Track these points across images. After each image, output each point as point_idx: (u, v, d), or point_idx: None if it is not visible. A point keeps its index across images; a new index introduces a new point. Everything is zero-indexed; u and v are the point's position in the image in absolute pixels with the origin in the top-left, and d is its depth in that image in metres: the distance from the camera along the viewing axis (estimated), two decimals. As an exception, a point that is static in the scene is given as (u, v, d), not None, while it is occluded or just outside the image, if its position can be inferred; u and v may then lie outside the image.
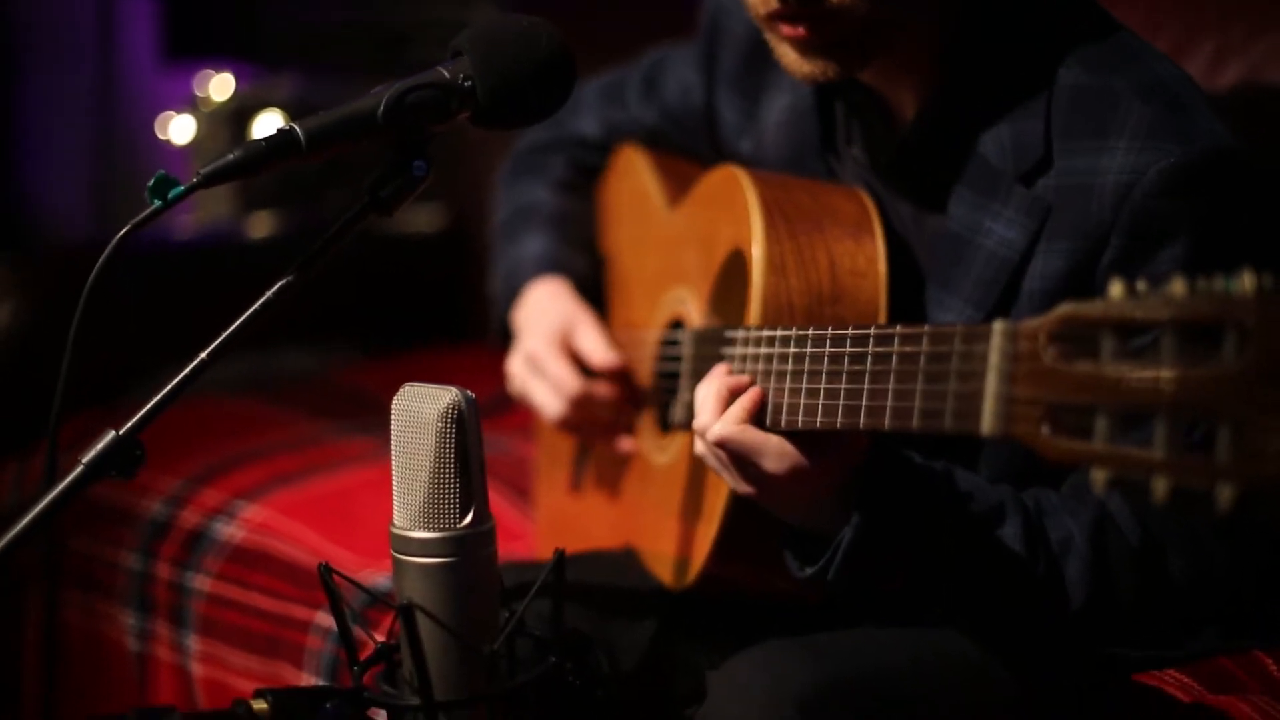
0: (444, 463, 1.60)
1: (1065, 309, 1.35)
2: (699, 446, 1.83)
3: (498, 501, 1.63)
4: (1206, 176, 1.78)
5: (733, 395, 1.79)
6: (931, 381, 1.54)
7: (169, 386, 1.59)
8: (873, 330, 1.64)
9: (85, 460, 1.56)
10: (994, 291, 1.87)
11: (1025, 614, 1.85)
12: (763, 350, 1.83)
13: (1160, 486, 1.23)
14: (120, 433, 1.57)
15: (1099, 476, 1.28)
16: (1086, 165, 1.82)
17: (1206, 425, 1.20)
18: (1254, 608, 1.98)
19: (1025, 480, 1.87)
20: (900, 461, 1.77)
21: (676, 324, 2.28)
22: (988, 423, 1.43)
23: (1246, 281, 1.20)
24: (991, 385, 1.43)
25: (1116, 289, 1.29)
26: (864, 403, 1.63)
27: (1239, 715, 1.83)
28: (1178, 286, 1.24)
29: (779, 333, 1.79)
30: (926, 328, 1.57)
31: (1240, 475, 1.19)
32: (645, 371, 2.34)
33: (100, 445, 1.57)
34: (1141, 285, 1.28)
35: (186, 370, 1.60)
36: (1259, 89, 2.43)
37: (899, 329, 1.60)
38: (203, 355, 1.60)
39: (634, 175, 2.53)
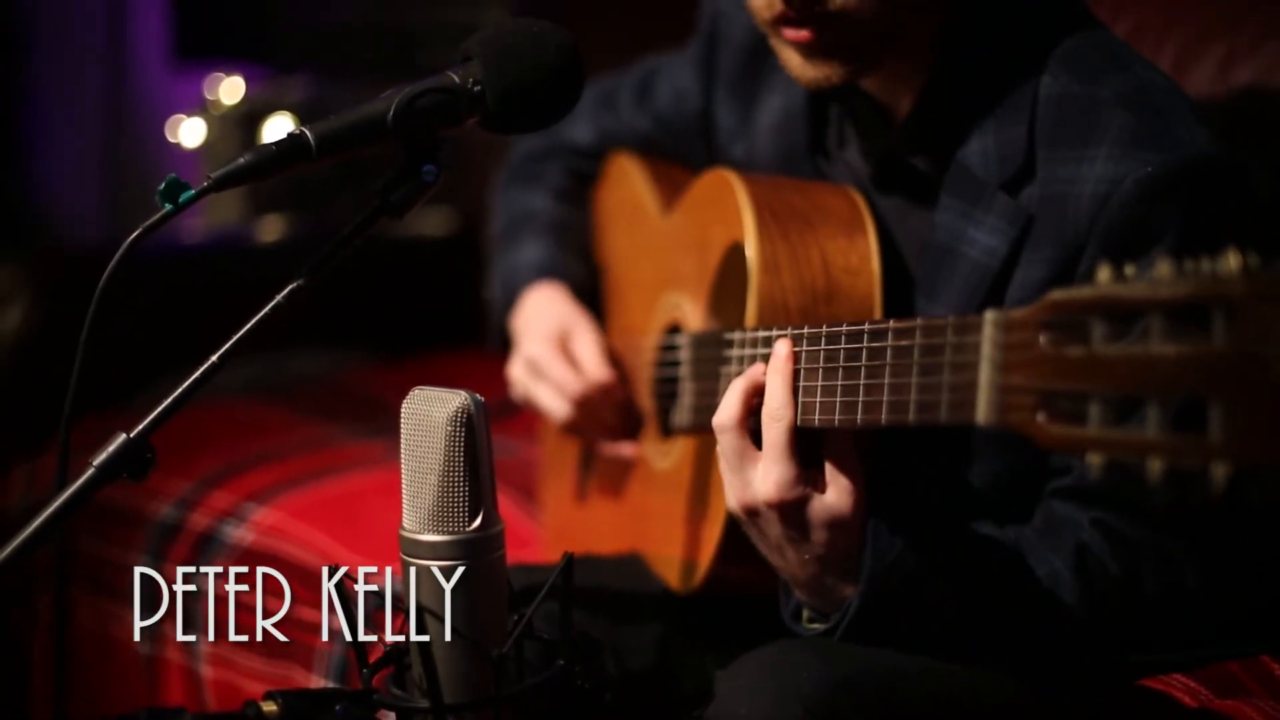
0: (453, 466, 1.60)
1: (1055, 295, 1.35)
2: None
3: (506, 506, 1.63)
4: (1183, 185, 1.77)
5: (758, 391, 1.79)
6: (926, 374, 1.54)
7: (179, 389, 1.60)
8: (866, 326, 1.65)
9: (96, 463, 1.57)
10: (976, 300, 1.87)
11: (1027, 650, 1.86)
12: (759, 351, 1.83)
13: (1155, 468, 1.23)
14: (131, 435, 1.57)
15: (1095, 461, 1.28)
16: (1068, 174, 1.82)
17: (1199, 405, 1.20)
18: (1261, 614, 1.98)
19: (1022, 480, 1.88)
20: (897, 543, 1.77)
21: (674, 329, 2.28)
22: (983, 412, 1.44)
23: (1232, 260, 1.20)
24: (985, 375, 1.44)
25: (1104, 274, 1.30)
26: (860, 398, 1.64)
27: (1245, 720, 1.83)
28: (1164, 268, 1.24)
29: (775, 332, 1.80)
30: (919, 321, 1.57)
31: (1234, 454, 1.19)
32: (644, 377, 2.35)
33: (111, 448, 1.57)
34: (1129, 269, 1.29)
35: (197, 373, 1.60)
36: (1269, 92, 2.42)
37: (892, 324, 1.61)
38: (213, 358, 1.61)
39: (627, 183, 2.53)
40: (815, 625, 1.84)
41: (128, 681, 2.96)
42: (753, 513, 1.77)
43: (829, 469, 1.74)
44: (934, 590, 1.78)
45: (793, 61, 1.91)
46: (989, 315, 1.44)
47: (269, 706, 1.57)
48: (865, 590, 1.75)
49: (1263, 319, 1.18)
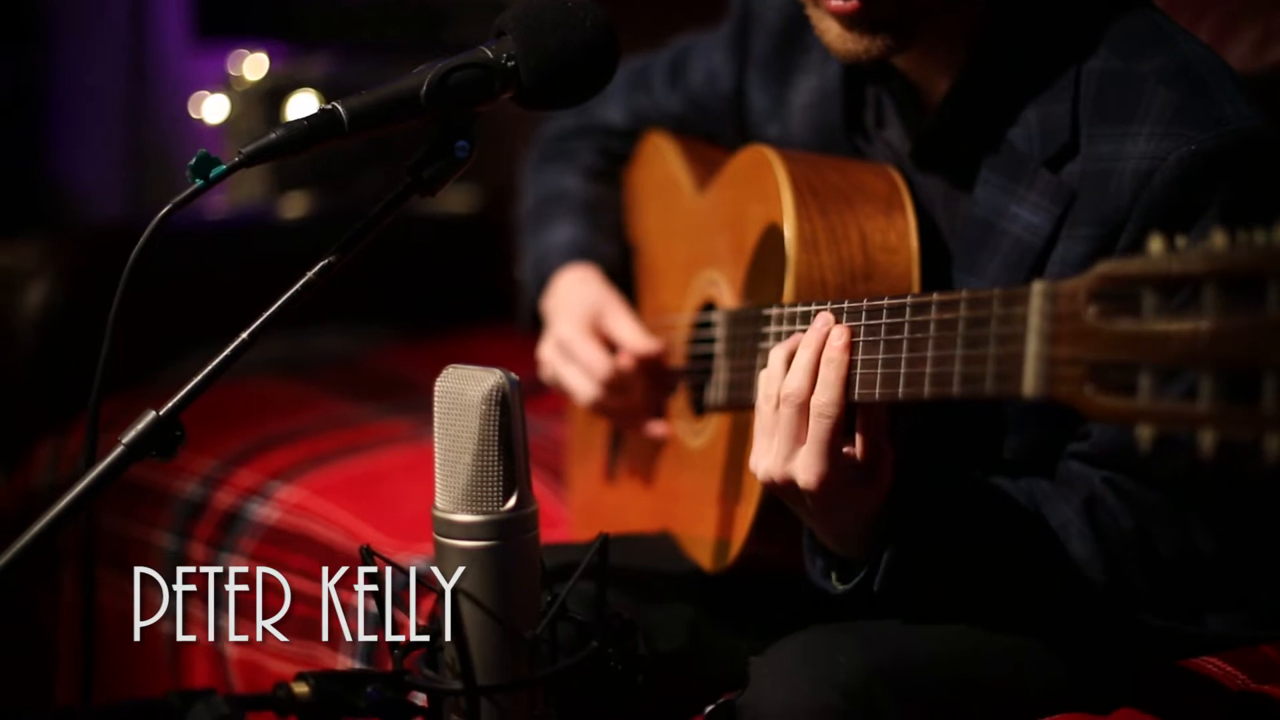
0: (487, 445, 1.59)
1: (1104, 267, 1.34)
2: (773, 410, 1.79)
3: (535, 487, 1.63)
4: (1228, 163, 1.76)
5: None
6: (971, 346, 1.53)
7: (210, 367, 1.59)
8: (909, 299, 1.64)
9: (125, 441, 1.56)
10: (1018, 277, 1.86)
11: (1043, 598, 1.86)
12: (798, 327, 1.83)
13: (1206, 440, 1.22)
14: (160, 413, 1.57)
15: (1144, 434, 1.27)
16: (1111, 151, 1.82)
17: (1251, 376, 1.20)
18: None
19: (1046, 450, 1.88)
20: (922, 496, 1.78)
21: (708, 306, 2.27)
22: (1029, 384, 1.43)
23: None
24: (1032, 346, 1.43)
25: (1156, 245, 1.29)
26: (902, 370, 1.63)
27: (1284, 705, 1.82)
28: (1218, 239, 1.24)
29: (814, 308, 1.78)
30: (964, 293, 1.56)
31: None
32: (678, 355, 2.34)
33: (140, 425, 1.56)
34: (1181, 240, 1.28)
35: (227, 350, 1.60)
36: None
37: (936, 296, 1.60)
38: (244, 335, 1.60)
39: (661, 162, 2.52)
40: (841, 585, 1.83)
41: (151, 660, 2.95)
42: (787, 484, 1.76)
43: (862, 450, 1.73)
44: (952, 537, 1.79)
45: (831, 32, 1.89)
46: (1037, 286, 1.43)
47: (300, 688, 1.56)
48: (885, 535, 1.75)
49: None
